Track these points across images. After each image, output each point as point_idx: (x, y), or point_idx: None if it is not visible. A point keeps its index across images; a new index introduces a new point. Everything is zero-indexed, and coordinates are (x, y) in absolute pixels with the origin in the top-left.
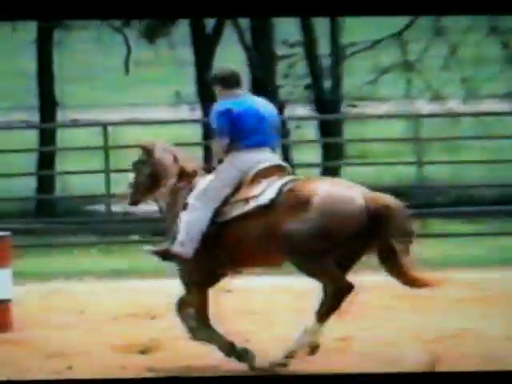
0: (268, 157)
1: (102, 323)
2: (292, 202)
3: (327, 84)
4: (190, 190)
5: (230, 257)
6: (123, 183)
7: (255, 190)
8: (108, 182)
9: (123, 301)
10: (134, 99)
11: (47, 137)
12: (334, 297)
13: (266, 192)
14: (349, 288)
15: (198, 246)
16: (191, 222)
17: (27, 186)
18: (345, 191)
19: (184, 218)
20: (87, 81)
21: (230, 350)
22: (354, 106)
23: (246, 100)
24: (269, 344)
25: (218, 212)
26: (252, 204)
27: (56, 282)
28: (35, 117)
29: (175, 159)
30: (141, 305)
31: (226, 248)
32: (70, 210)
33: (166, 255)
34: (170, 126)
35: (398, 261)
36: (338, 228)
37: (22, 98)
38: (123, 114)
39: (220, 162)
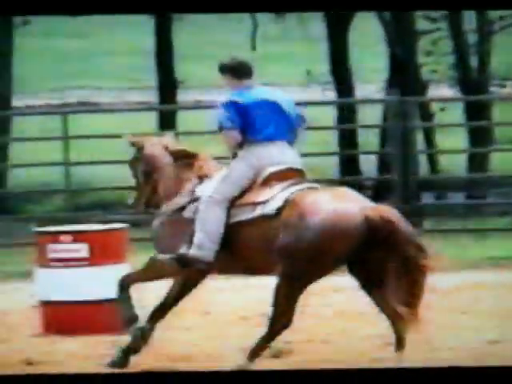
0: (283, 152)
1: (229, 324)
2: (291, 216)
3: (473, 62)
4: (200, 177)
5: (229, 260)
6: None
7: (264, 194)
8: None
9: (251, 300)
10: (260, 78)
11: (167, 119)
12: (270, 331)
13: (273, 200)
14: (286, 326)
15: (217, 246)
16: (208, 221)
17: None
18: (343, 207)
19: (200, 216)
20: (209, 59)
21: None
22: (504, 87)
23: (257, 91)
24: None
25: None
26: (258, 211)
27: None
28: (154, 98)
29: (165, 148)
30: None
31: (226, 250)
32: None
33: (183, 261)
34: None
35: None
36: (331, 247)
37: (140, 78)
38: None
39: (234, 156)
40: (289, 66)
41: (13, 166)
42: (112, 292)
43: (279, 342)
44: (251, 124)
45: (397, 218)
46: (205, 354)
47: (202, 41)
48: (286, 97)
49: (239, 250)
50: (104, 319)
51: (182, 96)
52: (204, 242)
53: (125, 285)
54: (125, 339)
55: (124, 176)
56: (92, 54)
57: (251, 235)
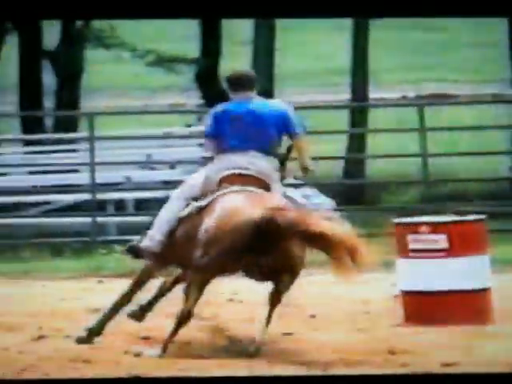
0: (249, 160)
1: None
2: (205, 214)
3: None
4: None
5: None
6: None
7: (207, 196)
8: None
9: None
10: None
11: None
12: (178, 318)
13: (202, 200)
14: (189, 316)
15: (164, 238)
16: (161, 215)
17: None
18: (240, 206)
19: (160, 213)
20: None
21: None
22: None
23: (245, 102)
24: None
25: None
26: (188, 209)
27: None
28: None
29: None
30: None
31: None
32: None
33: (135, 251)
34: None
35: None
36: (223, 241)
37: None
38: None
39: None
40: None
41: (370, 156)
42: (470, 283)
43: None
44: (224, 133)
45: (289, 222)
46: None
47: None
48: (276, 110)
49: (174, 244)
50: (464, 310)
51: None
52: (154, 233)
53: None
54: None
55: (480, 167)
56: (449, 47)
57: (180, 231)
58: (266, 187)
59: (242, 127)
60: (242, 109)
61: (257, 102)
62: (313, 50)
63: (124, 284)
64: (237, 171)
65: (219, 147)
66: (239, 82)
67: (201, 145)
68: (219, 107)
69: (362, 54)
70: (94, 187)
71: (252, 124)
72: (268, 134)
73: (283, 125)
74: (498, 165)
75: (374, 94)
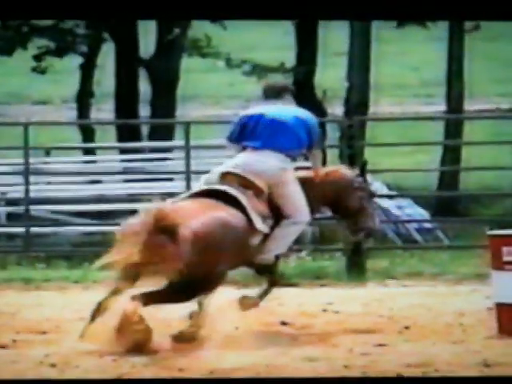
0: (256, 158)
1: None
2: None
3: None
4: None
5: None
6: None
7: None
8: None
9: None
10: None
11: None
12: None
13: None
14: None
15: None
16: None
17: None
18: (155, 206)
19: None
20: None
21: None
22: None
23: (266, 107)
24: None
25: None
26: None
27: None
28: None
29: None
30: None
31: None
32: None
33: None
34: None
35: None
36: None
37: None
38: None
39: None
40: None
41: (464, 168)
42: None
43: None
44: (243, 134)
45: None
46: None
47: None
48: (299, 117)
49: None
50: None
51: None
52: None
53: None
54: None
55: None
56: None
57: None
58: (250, 185)
59: (261, 129)
60: (263, 112)
61: (279, 108)
62: (409, 61)
63: None
64: (225, 170)
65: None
66: (266, 92)
67: None
68: (244, 113)
69: (458, 64)
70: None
71: (270, 126)
72: (287, 137)
73: (304, 132)
74: None
75: (468, 106)
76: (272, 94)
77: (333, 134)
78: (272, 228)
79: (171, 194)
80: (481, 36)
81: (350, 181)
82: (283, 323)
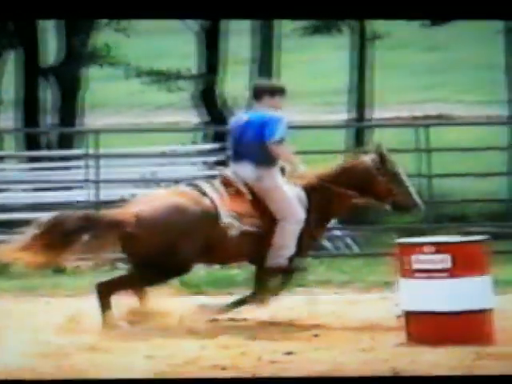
0: (236, 170)
1: None
2: None
3: None
4: None
5: None
6: None
7: None
8: None
9: None
10: None
11: None
12: None
13: None
14: None
15: None
16: None
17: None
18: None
19: None
20: None
21: None
22: None
23: (247, 113)
24: None
25: None
26: None
27: None
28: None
29: None
30: None
31: None
32: None
33: None
34: None
35: None
36: None
37: (490, 92)
38: None
39: None
40: None
41: None
42: (473, 304)
43: None
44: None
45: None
46: None
47: None
48: (260, 117)
49: None
50: (467, 330)
51: None
52: None
53: None
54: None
55: (483, 189)
56: (447, 67)
57: None
58: (230, 185)
59: (237, 137)
60: (236, 119)
61: (253, 112)
62: (312, 69)
63: None
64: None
65: None
66: (254, 92)
67: (205, 163)
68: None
69: (360, 73)
70: (99, 204)
71: (243, 134)
72: (253, 141)
73: (262, 130)
74: (498, 186)
75: (378, 113)
76: (254, 95)
77: None
78: (261, 228)
79: (78, 203)
80: (383, 45)
81: (368, 168)
82: (190, 331)
